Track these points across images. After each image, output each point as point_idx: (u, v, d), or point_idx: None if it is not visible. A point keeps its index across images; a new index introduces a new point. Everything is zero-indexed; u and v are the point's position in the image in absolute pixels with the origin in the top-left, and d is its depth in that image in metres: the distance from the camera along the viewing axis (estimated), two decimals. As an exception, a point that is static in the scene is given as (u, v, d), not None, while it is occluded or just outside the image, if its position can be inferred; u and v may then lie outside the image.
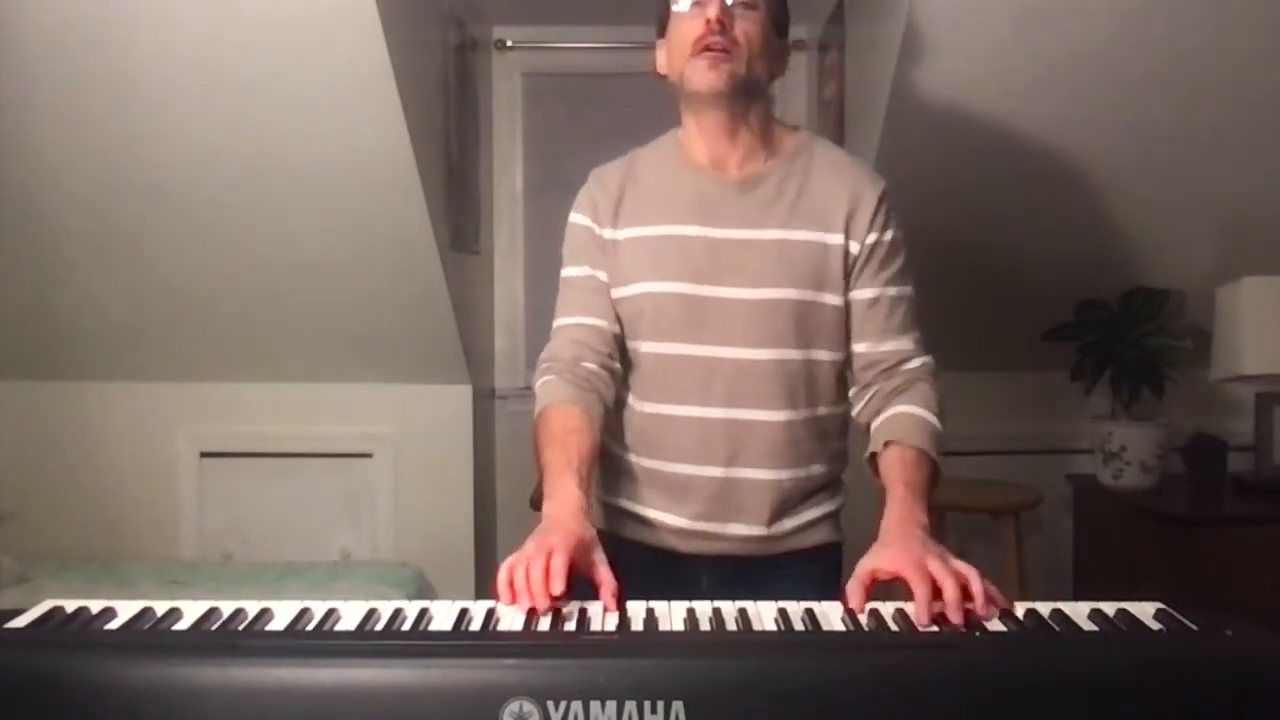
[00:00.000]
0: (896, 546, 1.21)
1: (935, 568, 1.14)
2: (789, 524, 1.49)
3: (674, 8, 1.45)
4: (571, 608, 1.13)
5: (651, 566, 1.46)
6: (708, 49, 1.40)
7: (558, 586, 1.11)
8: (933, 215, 2.57)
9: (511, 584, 1.13)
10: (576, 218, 1.54)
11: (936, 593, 1.12)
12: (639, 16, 3.24)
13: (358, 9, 2.29)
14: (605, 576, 1.18)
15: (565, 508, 1.27)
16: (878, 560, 1.20)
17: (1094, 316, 2.95)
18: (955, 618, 1.09)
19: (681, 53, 1.44)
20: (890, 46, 2.46)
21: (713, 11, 1.39)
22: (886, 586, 1.19)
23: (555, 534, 1.19)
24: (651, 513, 1.51)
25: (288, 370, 3.19)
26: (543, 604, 1.10)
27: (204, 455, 3.25)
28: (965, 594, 1.12)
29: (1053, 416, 3.26)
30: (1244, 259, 2.85)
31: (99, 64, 2.41)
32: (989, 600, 1.12)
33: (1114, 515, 3.00)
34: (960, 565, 1.15)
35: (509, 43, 3.48)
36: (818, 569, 1.51)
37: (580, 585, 1.17)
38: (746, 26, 1.42)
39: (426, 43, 2.82)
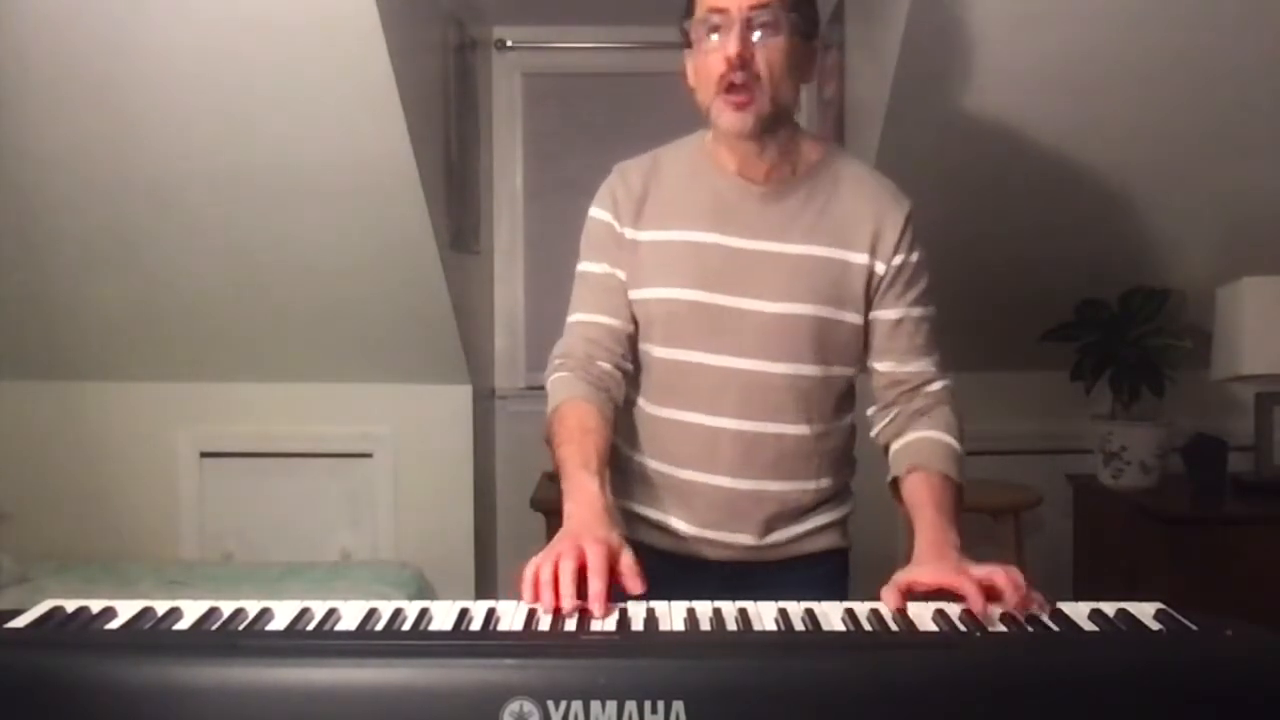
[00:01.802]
0: (935, 563, 1.21)
1: (978, 573, 1.15)
2: (794, 530, 1.50)
3: (697, 36, 1.42)
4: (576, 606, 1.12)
5: (658, 569, 1.46)
6: (731, 87, 1.39)
7: (599, 611, 1.09)
8: (932, 215, 2.56)
9: (538, 581, 1.11)
10: (597, 212, 1.53)
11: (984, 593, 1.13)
12: (639, 16, 3.27)
13: (358, 9, 2.29)
14: (628, 563, 1.17)
15: (590, 509, 1.26)
16: (916, 573, 1.20)
17: (1094, 316, 2.95)
18: (1013, 600, 1.10)
19: (706, 88, 1.42)
20: (890, 46, 2.46)
21: (732, 48, 1.37)
22: (930, 595, 1.19)
23: (586, 540, 1.16)
24: (660, 515, 1.51)
25: (288, 370, 3.19)
26: (569, 605, 1.09)
27: (204, 455, 3.25)
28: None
29: (1053, 416, 3.26)
30: (1244, 259, 2.85)
31: (97, 65, 2.40)
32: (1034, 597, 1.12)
33: (1114, 515, 3.00)
34: (1001, 566, 1.15)
35: (509, 43, 3.48)
36: (823, 573, 1.51)
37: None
38: (769, 54, 1.38)
39: (426, 43, 2.82)
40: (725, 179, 1.48)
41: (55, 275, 2.89)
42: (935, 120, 2.55)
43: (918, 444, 1.42)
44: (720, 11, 1.38)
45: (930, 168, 2.63)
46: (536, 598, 1.11)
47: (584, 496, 1.28)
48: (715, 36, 1.39)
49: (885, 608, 1.14)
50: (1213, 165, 2.65)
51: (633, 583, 1.15)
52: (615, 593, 1.15)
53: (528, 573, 1.13)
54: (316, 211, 2.73)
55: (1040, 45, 2.36)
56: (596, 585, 1.11)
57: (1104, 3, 2.28)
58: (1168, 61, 2.39)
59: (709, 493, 1.47)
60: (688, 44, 1.46)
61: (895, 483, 1.43)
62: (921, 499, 1.35)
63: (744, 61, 1.37)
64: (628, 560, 1.18)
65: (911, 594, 1.18)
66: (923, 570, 1.20)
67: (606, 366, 1.47)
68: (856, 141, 2.81)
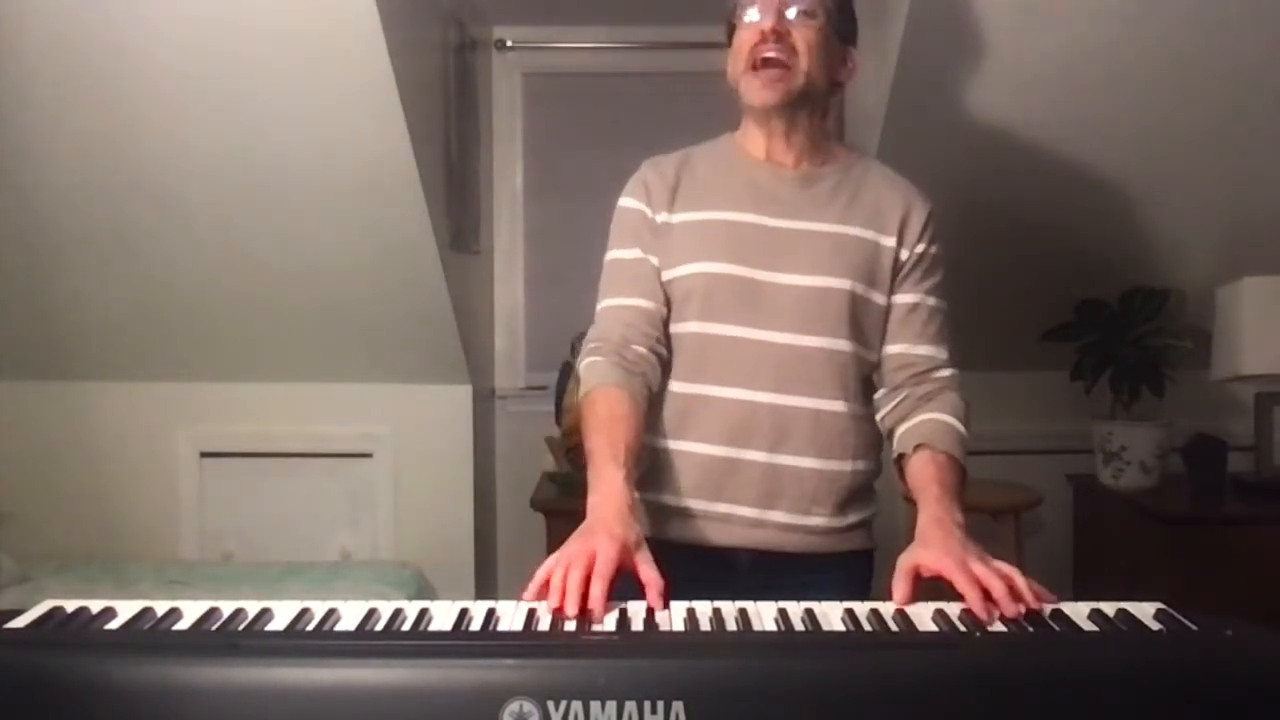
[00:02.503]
0: (937, 546, 1.22)
1: (979, 569, 1.15)
2: (827, 523, 1.49)
3: (737, 19, 1.48)
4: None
5: (687, 565, 1.44)
6: (764, 60, 1.43)
7: (600, 614, 1.10)
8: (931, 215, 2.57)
9: (548, 586, 1.12)
10: (628, 202, 1.54)
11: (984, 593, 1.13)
12: (639, 16, 3.27)
13: (358, 9, 2.29)
14: (650, 575, 1.17)
15: (610, 505, 1.26)
16: (920, 557, 1.21)
17: (1094, 316, 2.95)
18: (1010, 611, 1.09)
19: (738, 64, 1.47)
20: (890, 46, 2.46)
21: (768, 23, 1.42)
22: (929, 584, 1.19)
23: (598, 538, 1.17)
24: (684, 501, 1.49)
25: (288, 370, 3.19)
26: (574, 613, 1.10)
27: (204, 455, 3.25)
28: (1012, 592, 1.12)
29: (1053, 416, 3.26)
30: (1244, 259, 2.85)
31: (98, 64, 2.40)
32: (1036, 595, 1.12)
33: (1114, 515, 3.00)
34: (1002, 565, 1.16)
35: (509, 43, 3.47)
36: (851, 575, 1.51)
37: (625, 584, 1.16)
38: (805, 34, 1.44)
39: (426, 43, 2.82)
40: (758, 167, 1.51)
41: (55, 275, 2.89)
42: (935, 120, 2.55)
43: (925, 424, 1.43)
44: None
45: (930, 168, 2.62)
46: (541, 598, 1.12)
47: (608, 490, 1.29)
48: (750, 19, 1.45)
49: (886, 608, 1.14)
50: (1213, 165, 2.65)
51: (654, 598, 1.14)
52: (630, 589, 1.16)
53: (539, 575, 1.14)
54: (317, 211, 2.73)
55: (1040, 45, 2.36)
56: (596, 589, 1.11)
57: (1104, 2, 2.28)
58: (1168, 61, 2.39)
59: (745, 469, 1.46)
60: (730, 41, 1.51)
61: (899, 461, 1.44)
62: (927, 476, 1.36)
63: (779, 36, 1.42)
64: (646, 568, 1.18)
65: (918, 579, 1.19)
66: (927, 554, 1.21)
67: (642, 349, 1.47)
68: (856, 142, 2.81)
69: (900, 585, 1.18)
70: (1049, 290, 2.95)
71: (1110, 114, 2.53)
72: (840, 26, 1.49)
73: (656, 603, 1.14)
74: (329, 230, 2.78)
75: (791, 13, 1.44)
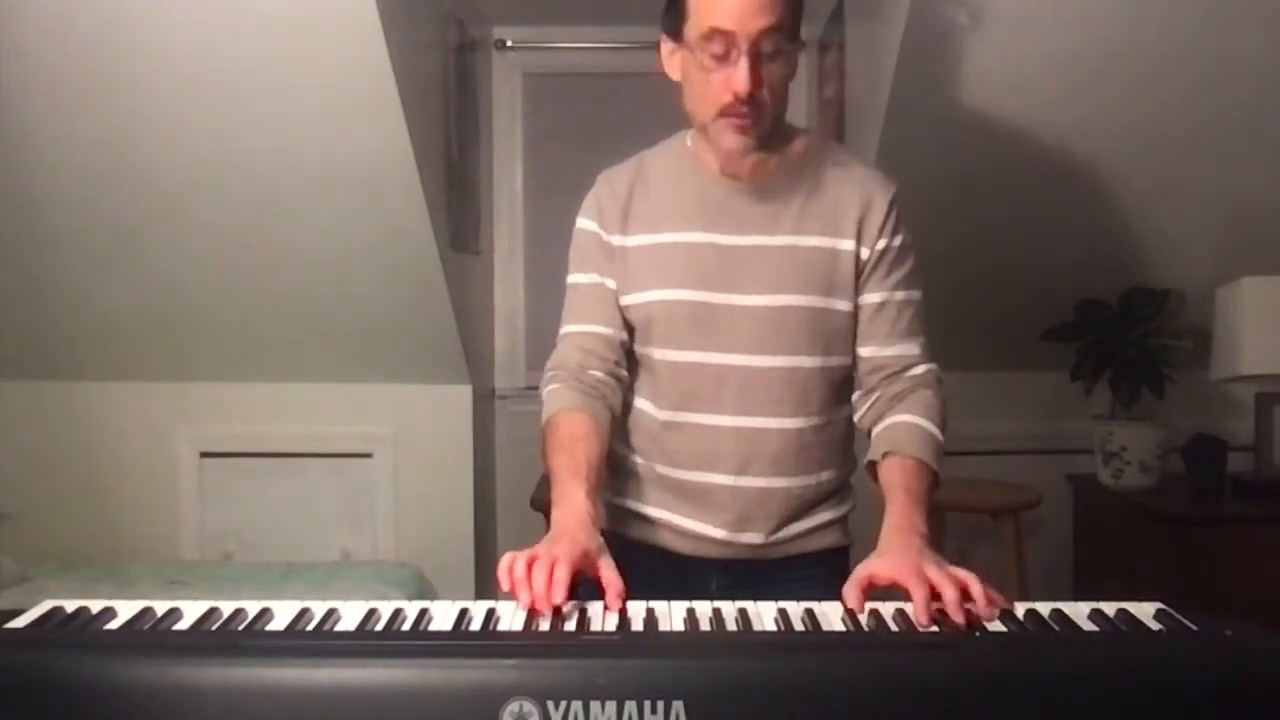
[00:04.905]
0: (894, 554, 1.21)
1: (933, 573, 1.14)
2: (797, 528, 1.49)
3: (694, 51, 1.36)
4: (571, 607, 1.13)
5: (658, 568, 1.46)
6: (735, 114, 1.36)
7: (558, 596, 1.11)
8: (932, 215, 2.57)
9: (512, 574, 1.14)
10: (584, 223, 1.52)
11: (935, 595, 1.12)
12: (639, 16, 3.24)
13: (358, 9, 2.29)
14: (611, 578, 1.18)
15: (573, 516, 1.27)
16: (875, 566, 1.20)
17: (1094, 316, 2.96)
18: (956, 617, 1.09)
19: (704, 107, 1.39)
20: (890, 46, 2.46)
21: (743, 86, 1.32)
22: (886, 590, 1.19)
23: (562, 542, 1.19)
24: (659, 514, 1.51)
25: (288, 370, 3.19)
26: (543, 607, 1.11)
27: (204, 455, 3.25)
28: (965, 596, 1.12)
29: (1053, 416, 3.26)
30: (1244, 259, 2.85)
31: (98, 64, 2.41)
32: (990, 602, 1.12)
33: (1114, 515, 3.00)
34: (959, 571, 1.15)
35: (509, 43, 3.48)
36: (825, 572, 1.50)
37: (586, 589, 1.17)
38: (770, 77, 1.35)
39: (426, 43, 2.82)
40: (711, 178, 1.47)
41: (56, 275, 2.89)
42: (935, 120, 2.55)
43: (895, 428, 1.41)
44: (725, 34, 1.32)
45: (930, 167, 2.63)
46: (512, 587, 1.13)
47: (571, 504, 1.30)
48: (713, 57, 1.35)
49: (885, 608, 1.14)
50: (1212, 165, 2.65)
51: (613, 600, 1.15)
52: (591, 595, 1.17)
53: (503, 565, 1.15)
54: (316, 211, 2.73)
55: (1040, 44, 2.37)
56: (561, 571, 1.13)
57: (1104, 2, 2.28)
58: (1168, 61, 2.39)
59: (714, 493, 1.46)
60: (670, 36, 1.42)
61: (873, 467, 1.43)
62: (894, 484, 1.35)
63: (752, 97, 1.34)
64: (608, 571, 1.19)
65: (871, 587, 1.18)
66: (882, 563, 1.20)
67: (600, 375, 1.47)
68: (857, 141, 2.81)
69: (851, 592, 1.17)
70: (1049, 290, 2.95)
71: (1110, 113, 2.53)
72: (794, 28, 1.38)
73: (615, 604, 1.15)
74: (329, 230, 2.78)
75: (765, 49, 1.33)
